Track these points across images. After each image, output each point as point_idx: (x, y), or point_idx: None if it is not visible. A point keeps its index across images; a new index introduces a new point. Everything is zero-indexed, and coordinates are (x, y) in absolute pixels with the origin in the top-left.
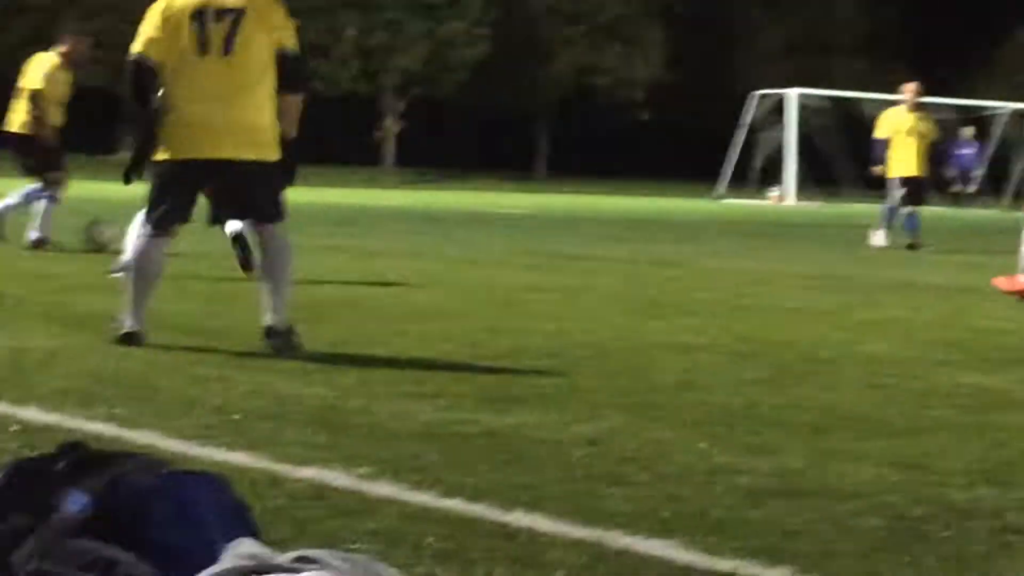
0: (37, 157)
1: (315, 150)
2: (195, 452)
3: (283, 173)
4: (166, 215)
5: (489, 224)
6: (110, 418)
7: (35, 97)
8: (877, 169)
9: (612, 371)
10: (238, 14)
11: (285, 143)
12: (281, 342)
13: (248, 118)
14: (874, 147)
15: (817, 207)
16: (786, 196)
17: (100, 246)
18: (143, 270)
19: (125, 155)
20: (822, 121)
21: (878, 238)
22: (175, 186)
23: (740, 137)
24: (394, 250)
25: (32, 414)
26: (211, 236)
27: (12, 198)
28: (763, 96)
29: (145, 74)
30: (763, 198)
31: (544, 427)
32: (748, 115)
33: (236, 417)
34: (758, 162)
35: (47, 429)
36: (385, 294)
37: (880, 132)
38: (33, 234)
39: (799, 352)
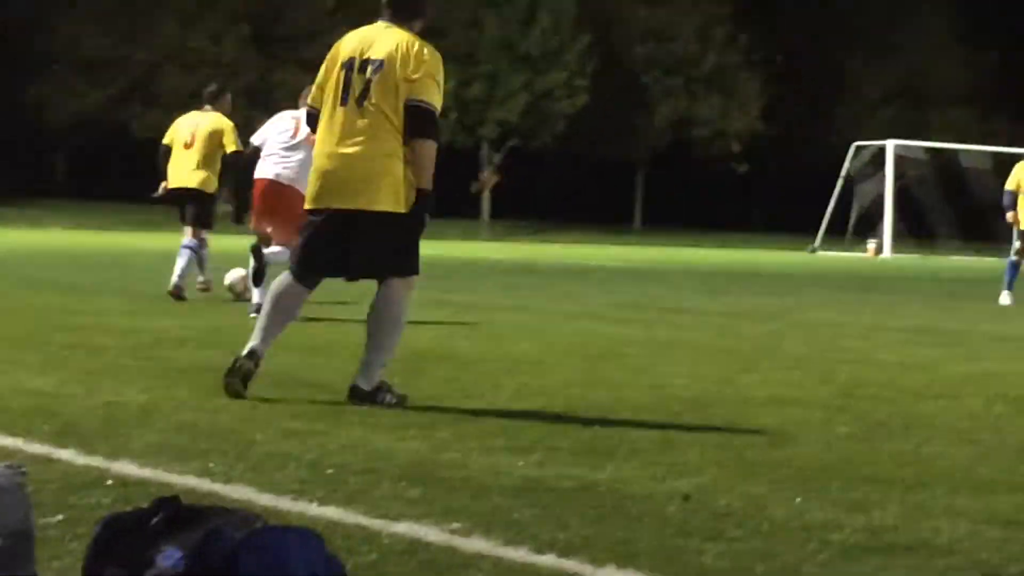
0: (207, 210)
1: None
2: (288, 507)
3: (414, 224)
4: (302, 260)
5: (585, 276)
6: (204, 472)
7: (213, 153)
8: (1010, 216)
9: (707, 425)
10: (379, 65)
11: (417, 194)
12: (361, 403)
13: (375, 169)
14: (1004, 196)
15: (915, 259)
16: (883, 248)
17: (238, 295)
18: (277, 303)
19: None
20: (920, 172)
21: (1004, 298)
22: (313, 234)
23: (838, 189)
24: (491, 303)
25: (126, 468)
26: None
27: (183, 258)
28: (861, 147)
29: (313, 122)
30: (860, 250)
31: (638, 481)
32: (846, 166)
33: (330, 472)
34: (855, 213)
35: (141, 483)
36: (481, 347)
37: (1010, 184)
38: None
39: (894, 407)
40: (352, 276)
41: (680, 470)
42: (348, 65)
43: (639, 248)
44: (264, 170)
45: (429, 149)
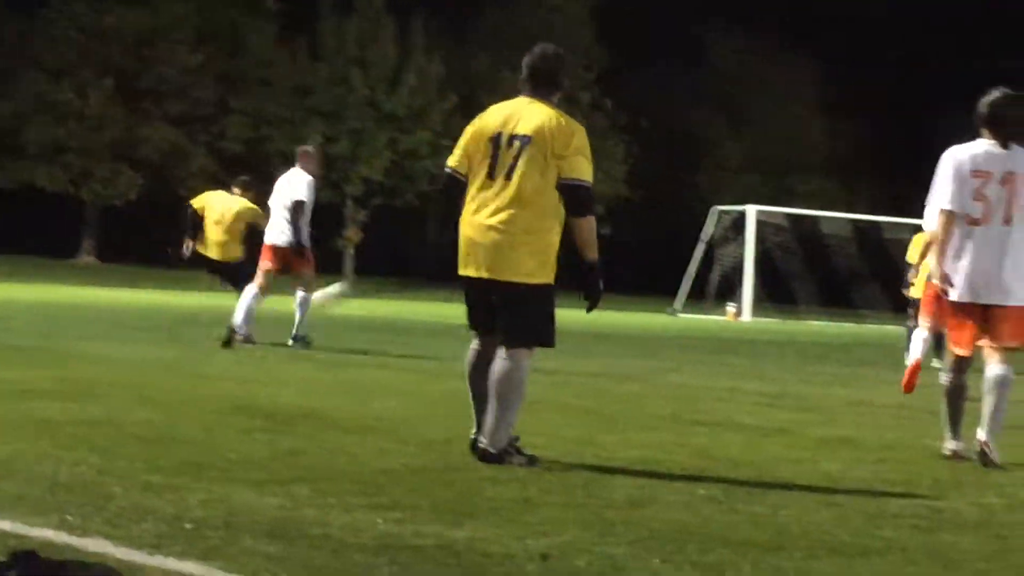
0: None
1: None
2: (145, 561)
3: (585, 297)
4: (470, 323)
5: (452, 334)
6: (61, 525)
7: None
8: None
9: (567, 485)
10: (527, 141)
11: (583, 267)
12: (488, 463)
13: (518, 241)
14: (909, 271)
15: (774, 323)
16: (743, 312)
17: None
18: (467, 375)
19: (87, 259)
20: (781, 239)
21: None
22: (466, 297)
23: (699, 252)
24: (356, 360)
25: None
26: (174, 344)
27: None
28: (722, 212)
29: (456, 187)
30: (720, 313)
31: (497, 540)
32: (706, 230)
33: (188, 526)
34: (716, 277)
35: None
36: (345, 404)
37: (912, 256)
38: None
39: (753, 470)
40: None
41: (539, 529)
42: (495, 140)
43: None
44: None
45: (589, 223)
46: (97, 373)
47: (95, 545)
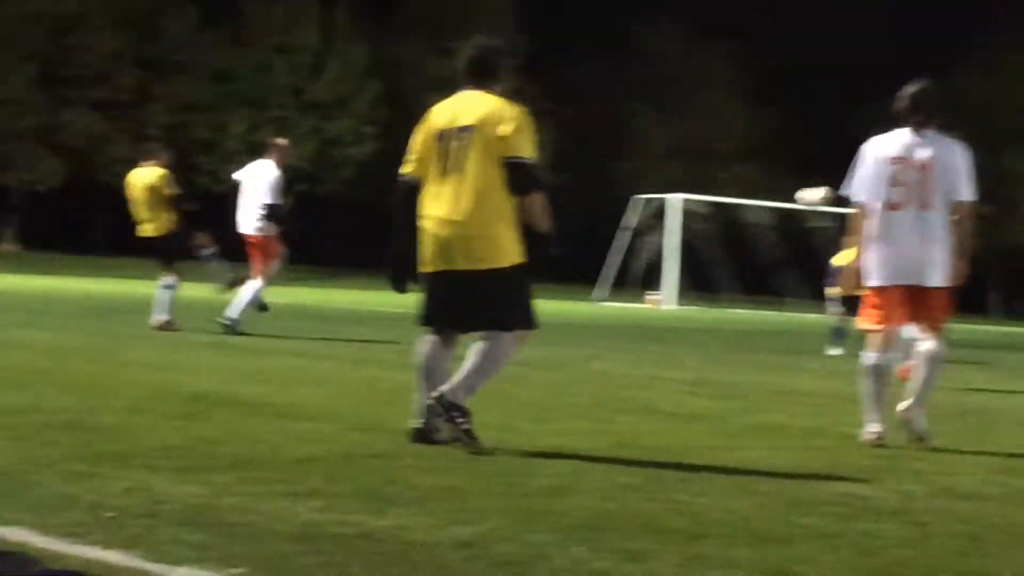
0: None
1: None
2: (67, 550)
3: (524, 278)
4: (427, 318)
5: (372, 322)
6: None
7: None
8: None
9: (491, 473)
10: (470, 132)
11: (535, 237)
12: (438, 412)
13: (478, 232)
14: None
15: (697, 311)
16: (665, 300)
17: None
18: (417, 366)
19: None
20: (703, 226)
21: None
22: (430, 293)
23: (622, 240)
24: (275, 347)
25: None
26: (96, 332)
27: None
28: (645, 200)
29: (413, 195)
30: (643, 301)
31: (420, 528)
32: (629, 218)
33: (110, 515)
34: (640, 265)
35: None
36: (266, 391)
37: (836, 259)
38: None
39: (674, 457)
40: (468, 330)
41: (462, 518)
42: (443, 137)
43: None
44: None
45: (535, 200)
46: (18, 361)
47: (15, 535)
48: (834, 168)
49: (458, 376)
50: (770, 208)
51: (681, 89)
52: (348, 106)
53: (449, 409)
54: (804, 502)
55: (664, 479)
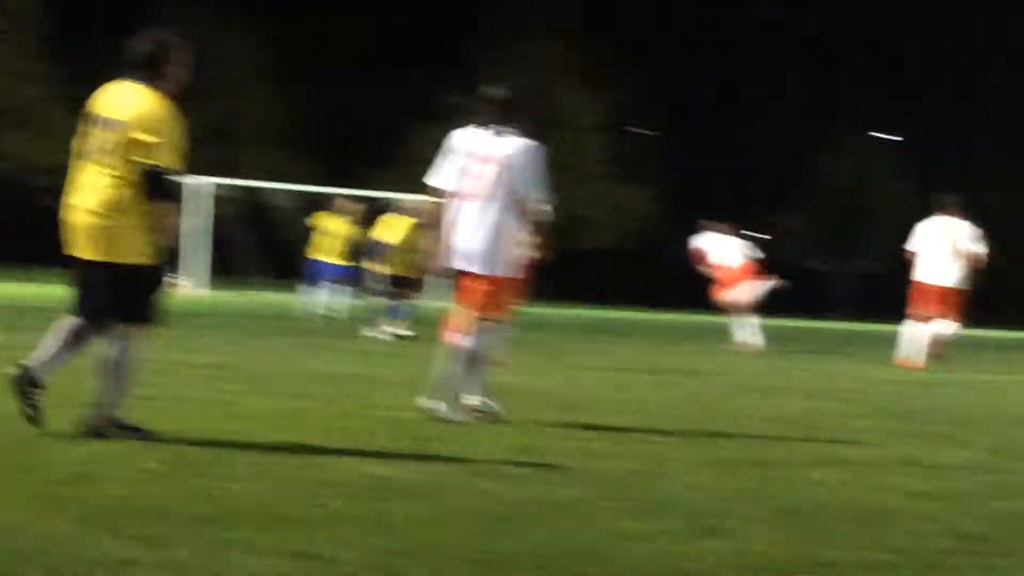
0: None
1: None
2: None
3: (151, 277)
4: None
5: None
6: None
7: None
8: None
9: (8, 464)
10: (117, 125)
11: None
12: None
13: (101, 223)
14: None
15: (228, 296)
16: (195, 285)
17: None
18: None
19: None
20: (232, 210)
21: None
22: (72, 279)
23: None
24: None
25: None
26: None
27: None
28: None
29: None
30: (174, 285)
31: None
32: None
33: None
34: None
35: None
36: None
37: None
38: None
39: (199, 443)
40: (92, 320)
41: None
42: (95, 121)
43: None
44: None
45: (162, 209)
46: None
47: None
48: (358, 154)
49: (105, 396)
50: (298, 192)
51: (205, 69)
52: None
53: (100, 419)
54: (328, 483)
55: (186, 465)
